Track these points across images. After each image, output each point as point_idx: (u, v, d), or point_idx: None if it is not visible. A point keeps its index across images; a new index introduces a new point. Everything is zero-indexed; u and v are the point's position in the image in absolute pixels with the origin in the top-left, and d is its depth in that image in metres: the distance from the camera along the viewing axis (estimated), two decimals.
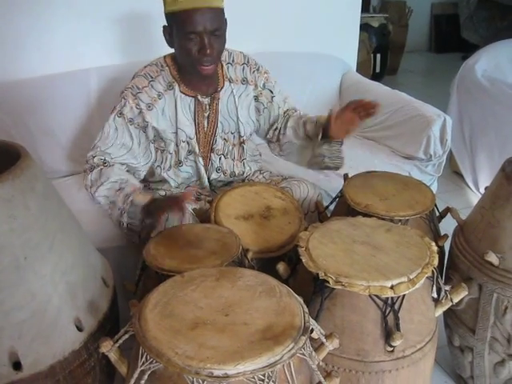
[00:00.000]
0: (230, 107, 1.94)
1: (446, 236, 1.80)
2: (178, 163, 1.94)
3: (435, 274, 1.39)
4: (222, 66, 1.91)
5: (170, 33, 1.76)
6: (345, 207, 1.81)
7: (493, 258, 1.50)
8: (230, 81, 1.92)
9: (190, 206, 1.86)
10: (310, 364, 1.08)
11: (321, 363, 1.16)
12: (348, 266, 1.31)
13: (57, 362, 1.26)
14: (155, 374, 1.03)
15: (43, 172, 1.31)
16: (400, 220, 1.69)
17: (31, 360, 1.22)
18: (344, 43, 3.19)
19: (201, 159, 1.95)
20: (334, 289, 1.29)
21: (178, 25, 1.69)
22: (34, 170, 1.23)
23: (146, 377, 1.02)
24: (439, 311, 1.47)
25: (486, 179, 3.12)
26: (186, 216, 1.74)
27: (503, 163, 1.60)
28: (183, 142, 1.90)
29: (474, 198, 3.22)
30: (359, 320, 1.31)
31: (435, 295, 1.43)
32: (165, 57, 1.88)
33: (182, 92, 1.85)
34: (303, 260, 1.35)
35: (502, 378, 1.65)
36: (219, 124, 1.95)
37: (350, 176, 1.97)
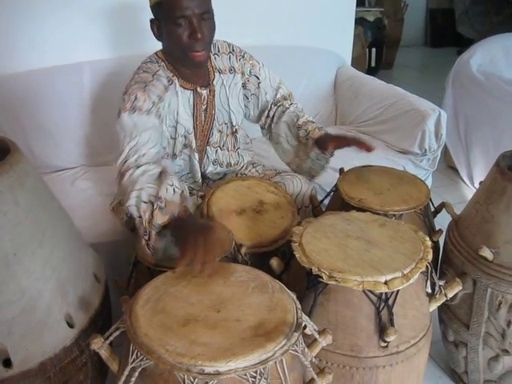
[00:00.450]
0: (222, 98, 1.93)
1: (440, 231, 1.80)
2: (172, 156, 1.93)
3: (429, 268, 1.38)
4: (210, 57, 1.89)
5: (157, 25, 1.72)
6: (339, 201, 1.80)
7: (487, 252, 1.49)
8: (220, 72, 1.91)
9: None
10: (303, 361, 1.08)
11: (314, 359, 1.16)
12: (342, 261, 1.30)
13: (47, 359, 1.24)
14: (146, 371, 1.02)
15: (33, 167, 1.29)
16: (394, 215, 1.69)
17: (21, 357, 1.21)
18: (339, 37, 3.17)
19: (196, 154, 1.94)
20: (327, 284, 1.28)
21: (165, 12, 1.65)
22: (23, 165, 1.21)
23: (136, 374, 1.01)
24: (433, 306, 1.46)
25: (480, 174, 3.11)
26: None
27: (497, 158, 1.59)
28: (181, 136, 1.88)
29: (469, 192, 3.22)
30: (353, 315, 1.30)
31: (429, 290, 1.43)
32: (156, 53, 1.84)
33: (181, 86, 1.83)
34: (296, 255, 1.34)
35: (496, 373, 1.65)
36: (215, 116, 1.94)
37: (345, 170, 1.96)
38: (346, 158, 2.10)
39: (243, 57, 1.96)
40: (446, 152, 3.45)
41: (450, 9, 7.54)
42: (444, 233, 1.78)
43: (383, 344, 1.31)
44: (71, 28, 2.43)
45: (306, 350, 1.13)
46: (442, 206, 1.84)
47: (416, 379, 1.45)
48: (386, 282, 1.25)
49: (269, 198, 1.85)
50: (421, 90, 3.11)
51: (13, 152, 1.21)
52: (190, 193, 1.95)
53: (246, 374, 0.96)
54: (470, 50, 3.33)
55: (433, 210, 1.88)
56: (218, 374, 0.95)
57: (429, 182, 2.65)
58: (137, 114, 1.67)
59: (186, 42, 1.67)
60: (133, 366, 1.02)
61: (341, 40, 3.19)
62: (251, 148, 2.18)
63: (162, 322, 1.06)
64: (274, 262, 1.48)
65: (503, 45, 3.40)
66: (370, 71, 5.39)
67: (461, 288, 1.49)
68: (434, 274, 1.42)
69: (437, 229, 1.83)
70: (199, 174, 2.00)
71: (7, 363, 1.20)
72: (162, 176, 1.59)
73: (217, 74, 1.90)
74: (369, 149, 1.79)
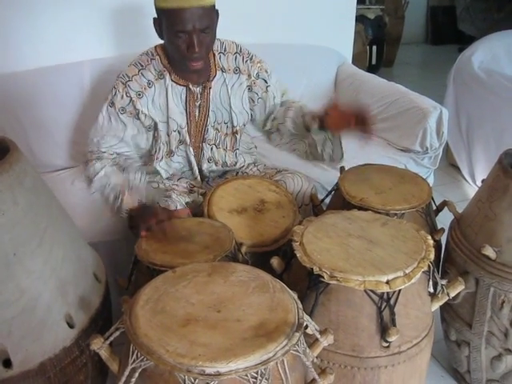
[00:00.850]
0: (222, 97, 1.92)
1: (442, 230, 1.78)
2: (170, 153, 1.93)
3: (431, 268, 1.37)
4: (214, 55, 1.90)
5: (160, 25, 1.74)
6: (340, 200, 1.79)
7: (490, 251, 1.48)
8: (223, 70, 1.91)
9: (183, 200, 1.85)
10: (304, 361, 1.07)
11: (315, 360, 1.15)
12: (343, 261, 1.29)
13: (47, 359, 1.24)
14: (146, 371, 1.01)
15: (33, 166, 1.29)
16: (396, 214, 1.68)
17: (21, 357, 1.20)
18: (340, 35, 3.16)
19: (191, 149, 1.95)
20: (328, 284, 1.27)
21: (167, 21, 1.68)
22: (22, 165, 1.21)
23: (136, 375, 1.00)
24: (436, 306, 1.45)
25: (482, 171, 3.10)
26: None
27: (500, 156, 1.58)
28: (174, 131, 1.89)
29: (471, 190, 3.21)
30: (354, 315, 1.30)
31: (431, 290, 1.42)
32: (156, 46, 1.87)
33: (173, 81, 1.84)
34: (297, 255, 1.33)
35: (498, 373, 1.64)
36: (211, 113, 1.94)
37: (345, 169, 1.95)
38: (347, 157, 2.09)
39: (251, 59, 1.95)
40: (447, 150, 3.44)
41: (451, 6, 7.52)
42: (446, 231, 1.77)
43: (385, 344, 1.30)
44: (71, 26, 2.42)
45: (308, 350, 1.12)
46: (444, 204, 1.83)
47: (418, 379, 1.44)
48: (387, 282, 1.25)
49: (270, 196, 1.85)
50: (422, 88, 3.09)
51: (12, 151, 1.21)
52: (190, 190, 1.97)
53: (246, 375, 0.95)
54: (471, 48, 3.31)
55: (434, 208, 1.87)
56: (218, 374, 0.94)
57: (430, 181, 2.64)
58: (112, 110, 1.84)
59: (184, 52, 1.71)
60: (133, 366, 1.01)
61: (341, 38, 3.17)
62: (254, 153, 2.18)
63: (162, 322, 1.05)
64: (275, 262, 1.47)
65: (505, 42, 3.39)
66: (371, 69, 5.37)
67: (463, 287, 1.48)
68: (436, 274, 1.41)
69: (439, 227, 1.82)
70: (197, 171, 2.01)
71: (7, 363, 1.20)
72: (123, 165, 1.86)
73: (219, 72, 1.90)
74: (370, 132, 1.74)
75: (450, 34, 7.54)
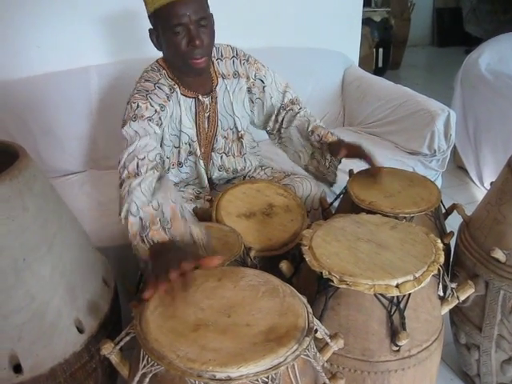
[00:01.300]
0: (226, 104, 1.91)
1: (451, 233, 1.77)
2: (178, 164, 1.92)
3: (441, 271, 1.37)
4: (213, 62, 1.87)
5: (156, 35, 1.71)
6: (349, 204, 1.78)
7: (499, 254, 1.48)
8: (223, 77, 1.88)
9: (189, 206, 1.84)
10: (315, 365, 1.06)
11: (325, 364, 1.14)
12: (352, 265, 1.29)
13: (57, 365, 1.24)
14: (157, 376, 1.01)
15: (42, 172, 1.29)
16: (405, 217, 1.67)
17: (32, 363, 1.20)
18: (346, 38, 3.16)
19: (201, 161, 1.93)
20: (338, 288, 1.27)
21: (162, 21, 1.65)
22: (32, 170, 1.21)
23: (147, 380, 1.00)
24: (445, 309, 1.44)
25: (490, 174, 3.09)
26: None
27: (509, 158, 1.57)
28: (185, 144, 1.87)
29: (479, 193, 3.20)
30: (364, 319, 1.29)
31: (441, 293, 1.41)
32: (157, 61, 1.83)
33: (182, 94, 1.81)
34: (307, 259, 1.33)
35: (509, 376, 1.63)
36: (219, 123, 1.92)
37: (354, 172, 1.95)
38: (356, 160, 2.09)
39: (247, 60, 1.93)
40: (455, 152, 3.43)
41: (457, 8, 7.51)
42: (455, 235, 1.76)
43: (395, 348, 1.29)
44: (78, 32, 2.44)
45: (318, 354, 1.12)
46: (453, 207, 1.82)
47: (428, 383, 1.43)
48: (397, 286, 1.24)
49: (278, 200, 1.84)
50: (428, 90, 3.09)
51: (21, 157, 1.21)
52: (197, 196, 1.95)
53: (257, 380, 0.95)
54: (478, 49, 3.31)
55: (444, 211, 1.86)
56: (229, 379, 0.94)
57: (438, 183, 2.64)
58: (138, 122, 1.68)
59: (185, 49, 1.66)
60: (143, 371, 1.01)
61: (348, 41, 3.18)
62: (258, 152, 2.16)
63: (172, 327, 1.05)
64: (284, 266, 1.47)
65: None
66: (377, 71, 5.37)
67: (473, 291, 1.47)
68: (445, 277, 1.41)
69: (448, 231, 1.82)
70: (206, 181, 1.99)
71: (18, 369, 1.20)
72: (160, 188, 1.54)
73: (220, 80, 1.87)
74: (376, 170, 1.82)
75: (456, 35, 7.53)
